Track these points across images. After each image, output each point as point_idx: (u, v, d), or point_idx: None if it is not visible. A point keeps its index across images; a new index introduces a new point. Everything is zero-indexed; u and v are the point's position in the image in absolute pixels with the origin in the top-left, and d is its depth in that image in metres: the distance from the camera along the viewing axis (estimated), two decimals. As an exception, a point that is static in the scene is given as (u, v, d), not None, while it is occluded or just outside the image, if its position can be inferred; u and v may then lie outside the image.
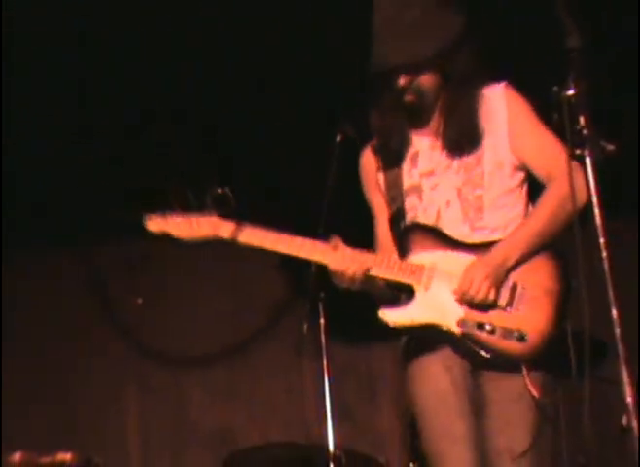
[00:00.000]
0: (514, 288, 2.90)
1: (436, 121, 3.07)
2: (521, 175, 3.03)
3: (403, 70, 2.95)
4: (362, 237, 3.14)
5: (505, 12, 4.34)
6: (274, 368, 5.51)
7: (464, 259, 2.94)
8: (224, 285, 4.99)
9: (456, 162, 3.01)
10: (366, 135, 3.22)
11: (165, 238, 3.04)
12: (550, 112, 2.38)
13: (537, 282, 2.90)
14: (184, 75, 4.97)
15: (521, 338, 2.84)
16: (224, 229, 3.01)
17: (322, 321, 4.22)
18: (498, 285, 2.89)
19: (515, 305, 2.89)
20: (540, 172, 3.00)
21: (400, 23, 2.95)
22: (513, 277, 2.91)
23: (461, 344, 2.92)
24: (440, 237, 3.00)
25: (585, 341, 2.41)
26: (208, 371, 5.59)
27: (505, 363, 2.88)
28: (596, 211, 2.29)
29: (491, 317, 2.89)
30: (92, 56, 4.80)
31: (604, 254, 2.27)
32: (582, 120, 2.34)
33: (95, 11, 4.55)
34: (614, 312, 2.23)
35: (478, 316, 2.89)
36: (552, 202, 2.93)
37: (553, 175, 2.94)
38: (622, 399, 2.21)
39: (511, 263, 2.90)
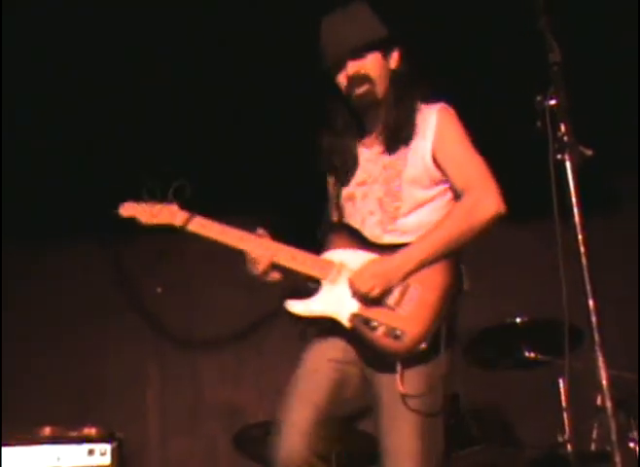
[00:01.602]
0: (405, 289, 2.79)
1: (377, 131, 3.01)
2: (442, 188, 2.93)
3: (350, 54, 2.91)
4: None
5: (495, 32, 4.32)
6: (280, 351, 5.49)
7: (370, 258, 2.87)
8: (235, 277, 4.98)
9: (381, 175, 2.95)
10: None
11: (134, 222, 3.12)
12: (533, 120, 2.38)
13: (429, 286, 2.79)
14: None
15: (399, 336, 2.73)
16: (178, 217, 3.05)
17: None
18: (388, 285, 2.79)
19: (402, 305, 2.78)
20: (455, 186, 2.90)
21: (345, 17, 2.95)
22: (409, 279, 2.81)
23: (351, 338, 2.84)
24: (355, 237, 2.93)
25: (564, 329, 2.42)
26: (221, 353, 5.59)
27: (387, 359, 2.77)
28: (575, 210, 2.30)
29: (379, 315, 2.78)
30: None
31: (582, 249, 2.27)
32: (562, 127, 2.34)
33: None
34: (590, 302, 2.23)
35: (368, 313, 2.80)
36: (457, 215, 2.84)
37: (464, 189, 2.87)
38: (598, 381, 2.21)
39: (408, 268, 2.79)
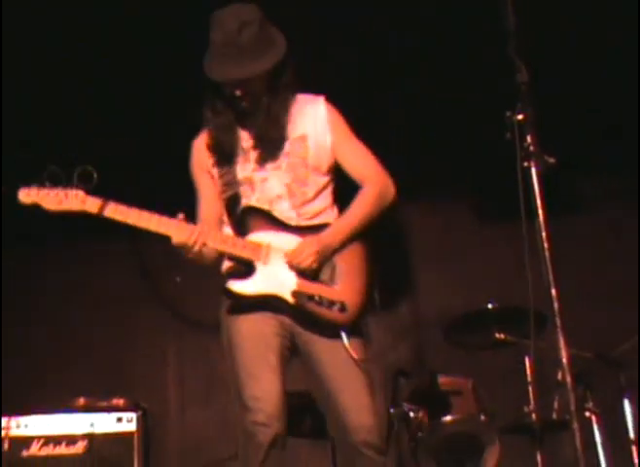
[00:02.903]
0: (334, 267, 2.82)
1: (262, 123, 2.89)
2: (331, 175, 2.97)
3: (242, 84, 2.78)
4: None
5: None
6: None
7: (293, 238, 2.82)
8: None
9: (284, 163, 2.89)
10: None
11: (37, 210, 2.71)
12: (503, 132, 2.38)
13: (352, 263, 2.84)
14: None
15: (343, 308, 2.76)
16: (90, 204, 2.74)
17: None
18: (323, 262, 2.80)
19: (336, 281, 2.80)
20: (355, 175, 2.94)
21: (238, 42, 2.74)
22: (334, 258, 2.83)
23: (295, 312, 2.78)
24: (271, 220, 2.85)
25: (530, 314, 2.42)
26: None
27: (330, 330, 2.76)
28: (540, 211, 2.30)
29: (319, 290, 2.78)
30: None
31: (545, 245, 2.28)
32: (529, 138, 2.35)
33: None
34: (553, 291, 2.24)
35: (308, 289, 2.78)
36: (370, 198, 2.90)
37: (367, 177, 2.92)
38: (559, 359, 2.22)
39: (336, 244, 2.82)
